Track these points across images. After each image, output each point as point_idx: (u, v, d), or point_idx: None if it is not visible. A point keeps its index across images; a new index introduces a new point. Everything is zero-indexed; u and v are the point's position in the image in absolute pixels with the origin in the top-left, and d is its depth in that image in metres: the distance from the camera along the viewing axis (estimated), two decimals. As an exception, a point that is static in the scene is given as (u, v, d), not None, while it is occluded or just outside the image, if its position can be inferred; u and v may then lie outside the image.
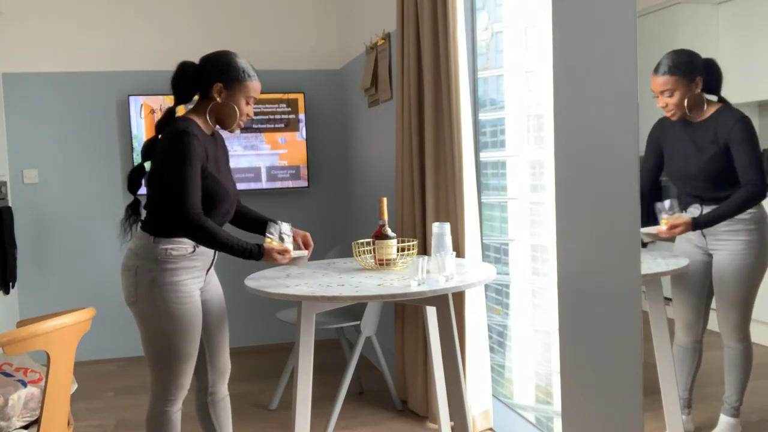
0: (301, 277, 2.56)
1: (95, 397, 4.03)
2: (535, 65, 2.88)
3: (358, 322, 3.43)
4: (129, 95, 4.63)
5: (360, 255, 2.74)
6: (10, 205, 4.52)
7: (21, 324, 2.31)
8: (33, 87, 4.61)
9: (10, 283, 4.37)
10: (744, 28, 1.56)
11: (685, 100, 1.65)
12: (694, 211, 1.68)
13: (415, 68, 3.24)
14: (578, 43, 1.93)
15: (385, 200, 2.72)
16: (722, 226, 1.64)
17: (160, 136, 2.34)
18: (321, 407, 3.39)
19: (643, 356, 1.76)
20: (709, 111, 1.64)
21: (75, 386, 2.39)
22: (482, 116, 3.24)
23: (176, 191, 2.22)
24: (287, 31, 4.96)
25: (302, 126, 4.86)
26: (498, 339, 3.26)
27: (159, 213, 2.32)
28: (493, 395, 3.17)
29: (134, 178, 2.41)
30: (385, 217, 2.68)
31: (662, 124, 1.76)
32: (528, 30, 2.91)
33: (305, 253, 2.47)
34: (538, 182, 2.92)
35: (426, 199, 3.19)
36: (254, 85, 2.38)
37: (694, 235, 1.72)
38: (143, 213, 2.39)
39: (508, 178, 3.12)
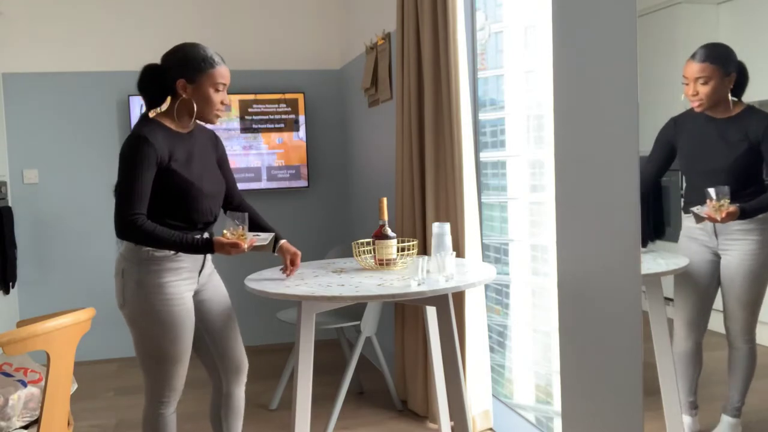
0: (302, 277, 2.56)
1: (95, 397, 4.02)
2: (535, 65, 2.88)
3: (358, 322, 3.43)
4: (129, 95, 4.63)
5: (360, 255, 2.74)
6: (10, 205, 4.52)
7: (21, 324, 2.30)
8: (33, 87, 4.60)
9: (10, 283, 4.37)
10: (744, 28, 1.56)
11: (717, 93, 1.62)
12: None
13: (415, 68, 3.23)
14: (578, 43, 1.94)
15: (385, 200, 2.72)
16: (736, 225, 1.63)
17: None
18: (321, 407, 3.39)
19: (643, 356, 1.76)
20: (736, 109, 1.62)
21: (75, 386, 2.39)
22: (482, 116, 3.24)
23: (117, 194, 2.21)
24: (287, 31, 4.95)
25: (302, 126, 4.86)
26: (498, 339, 3.25)
27: None
28: (493, 395, 3.16)
29: None
30: (385, 217, 2.68)
31: (678, 122, 1.73)
32: (528, 30, 2.91)
33: (271, 236, 2.41)
34: (538, 182, 2.92)
35: (426, 199, 3.19)
36: (219, 71, 2.28)
37: (703, 234, 1.71)
38: None
39: (508, 178, 3.12)
